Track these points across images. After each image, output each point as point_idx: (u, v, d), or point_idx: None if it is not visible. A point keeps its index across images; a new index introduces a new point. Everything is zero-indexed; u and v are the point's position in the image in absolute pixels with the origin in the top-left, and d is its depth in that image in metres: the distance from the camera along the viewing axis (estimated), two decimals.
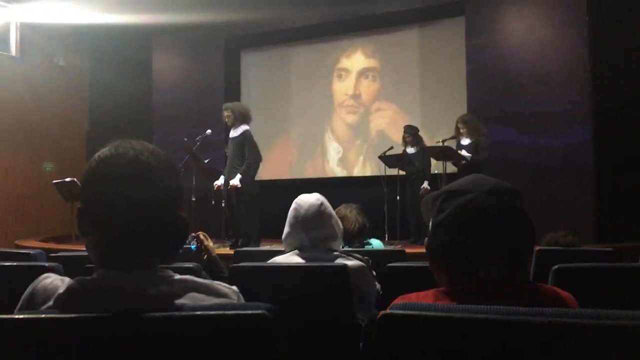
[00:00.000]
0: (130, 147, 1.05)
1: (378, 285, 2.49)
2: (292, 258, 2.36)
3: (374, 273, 2.45)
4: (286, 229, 2.41)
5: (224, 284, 1.10)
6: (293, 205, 2.40)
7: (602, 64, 6.95)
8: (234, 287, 1.11)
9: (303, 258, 2.34)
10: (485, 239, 1.08)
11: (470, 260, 1.09)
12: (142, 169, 1.02)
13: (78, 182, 6.56)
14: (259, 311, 0.94)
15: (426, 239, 1.21)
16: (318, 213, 2.35)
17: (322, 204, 2.39)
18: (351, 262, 2.33)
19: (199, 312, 0.93)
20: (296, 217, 2.36)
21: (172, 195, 1.06)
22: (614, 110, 6.96)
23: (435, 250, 1.16)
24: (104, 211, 1.01)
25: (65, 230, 8.51)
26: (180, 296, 1.01)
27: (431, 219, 1.18)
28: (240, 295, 1.10)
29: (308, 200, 2.38)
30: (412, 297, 1.13)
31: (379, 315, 0.92)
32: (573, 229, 3.52)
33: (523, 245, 1.13)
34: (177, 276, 1.05)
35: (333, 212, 2.44)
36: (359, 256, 2.41)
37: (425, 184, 6.79)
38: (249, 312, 0.93)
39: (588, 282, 2.00)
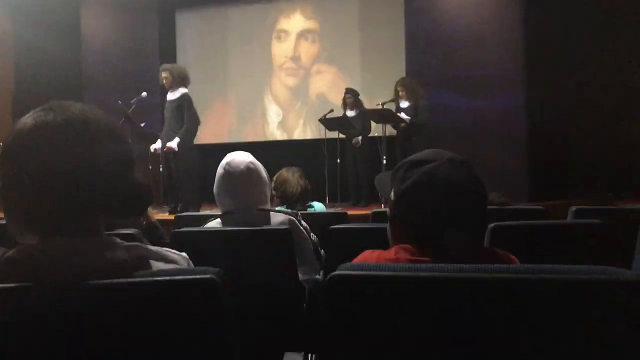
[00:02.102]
0: (60, 110, 1.00)
1: (314, 236, 2.53)
2: (223, 222, 2.35)
3: (305, 225, 2.49)
4: (216, 190, 2.38)
5: (174, 251, 1.09)
6: (223, 165, 2.37)
7: (536, 29, 7.15)
8: (184, 254, 1.10)
9: (235, 221, 2.34)
10: (449, 205, 1.13)
11: (435, 223, 1.13)
12: (73, 134, 0.98)
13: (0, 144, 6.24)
14: (208, 276, 0.94)
15: (388, 210, 1.24)
16: (248, 175, 2.34)
17: (251, 165, 2.37)
18: (281, 218, 2.37)
19: (150, 278, 0.92)
20: (226, 179, 2.34)
21: (117, 158, 1.02)
22: (547, 76, 7.21)
23: (400, 219, 1.19)
24: (36, 180, 0.96)
25: None
26: (133, 263, 0.98)
27: (393, 190, 1.21)
28: (190, 262, 1.10)
29: (238, 162, 2.35)
30: (377, 252, 1.17)
31: (328, 277, 0.93)
32: (506, 189, 3.66)
33: (482, 212, 1.18)
34: (126, 243, 1.03)
35: (263, 173, 2.42)
36: (287, 210, 2.43)
37: (359, 138, 6.88)
38: (198, 276, 0.92)
39: (522, 239, 2.10)
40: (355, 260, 1.15)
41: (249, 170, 2.35)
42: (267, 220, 2.35)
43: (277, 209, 2.55)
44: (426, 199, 1.14)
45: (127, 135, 1.09)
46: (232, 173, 2.33)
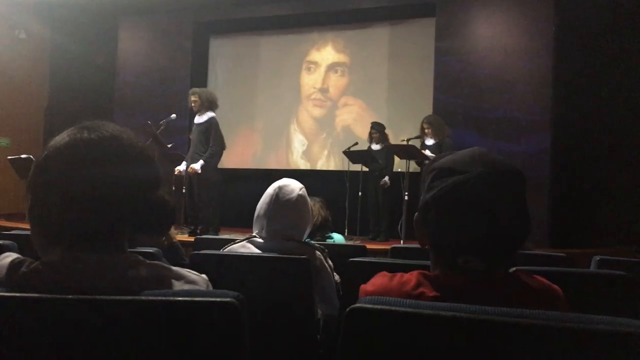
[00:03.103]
0: (93, 129, 1.03)
1: (337, 276, 2.51)
2: (247, 247, 2.34)
3: (331, 264, 2.47)
4: (260, 211, 2.34)
5: (194, 272, 1.09)
6: (274, 187, 2.33)
7: (565, 76, 7.14)
8: (204, 276, 1.10)
9: (258, 247, 2.32)
10: (470, 227, 0.99)
11: (451, 247, 1.03)
12: (105, 152, 1.01)
13: (33, 159, 6.37)
14: (228, 299, 0.93)
15: (416, 213, 1.11)
16: (297, 205, 2.32)
17: (303, 196, 2.35)
18: (309, 252, 2.33)
19: (171, 297, 0.92)
20: (275, 202, 2.31)
21: (145, 178, 1.04)
22: (573, 121, 7.18)
23: (421, 228, 1.09)
24: (66, 196, 0.98)
25: (16, 208, 8.26)
26: (154, 281, 0.99)
27: (422, 194, 1.09)
28: (210, 284, 1.10)
29: (292, 189, 2.33)
30: (396, 278, 1.08)
31: (348, 309, 0.92)
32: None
33: (512, 237, 1.03)
34: (148, 261, 1.04)
35: (310, 207, 2.41)
36: (315, 244, 2.41)
37: (386, 179, 6.87)
38: (218, 299, 0.92)
39: None
40: (372, 283, 1.12)
41: (300, 201, 2.34)
42: (294, 252, 2.32)
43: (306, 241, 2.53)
44: (443, 220, 1.02)
45: (154, 156, 1.12)
46: (281, 198, 2.31)
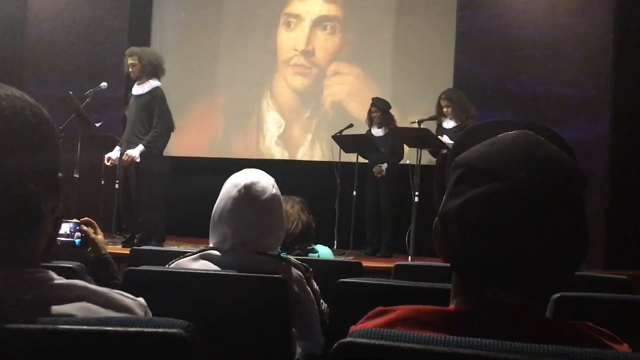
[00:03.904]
0: (8, 104, 1.02)
1: (324, 304, 2.51)
2: (201, 263, 2.33)
3: (317, 287, 2.47)
4: (218, 215, 2.32)
5: (127, 294, 1.09)
6: (239, 184, 2.31)
7: (631, 40, 7.16)
8: (141, 299, 1.10)
9: (217, 262, 2.32)
10: (505, 252, 0.97)
11: (478, 276, 1.02)
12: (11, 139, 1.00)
13: None
14: (174, 330, 0.93)
15: (436, 219, 1.08)
16: (269, 208, 2.32)
17: (277, 195, 2.35)
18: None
19: (90, 327, 0.91)
20: (239, 204, 2.29)
21: (38, 170, 1.04)
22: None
23: (441, 241, 1.06)
24: None
25: None
26: (66, 305, 0.99)
27: (445, 193, 1.07)
28: (149, 311, 1.10)
29: (263, 187, 2.32)
30: (393, 315, 1.05)
31: (336, 344, 0.92)
32: None
33: (563, 267, 1.01)
34: (62, 280, 1.03)
35: (283, 208, 2.43)
36: (294, 260, 2.41)
37: (384, 166, 6.92)
38: (161, 330, 0.92)
39: (596, 317, 2.07)
40: (366, 320, 1.12)
41: (275, 201, 2.34)
42: (267, 271, 2.29)
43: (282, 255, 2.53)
44: (473, 238, 0.99)
45: (59, 145, 1.11)
46: (250, 199, 2.29)
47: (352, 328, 1.06)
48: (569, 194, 1.00)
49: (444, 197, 1.06)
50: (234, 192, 2.31)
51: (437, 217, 1.08)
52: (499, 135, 1.06)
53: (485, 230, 0.98)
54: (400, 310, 1.04)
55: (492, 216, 0.98)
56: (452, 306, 1.06)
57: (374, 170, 6.95)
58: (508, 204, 0.97)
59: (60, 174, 1.09)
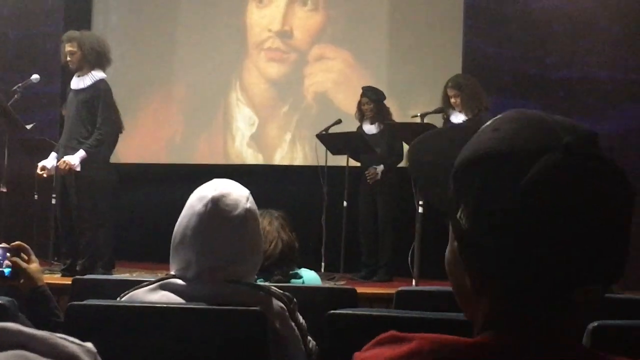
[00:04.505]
0: None
1: (312, 342, 2.52)
2: (161, 295, 2.34)
3: (302, 321, 2.48)
4: (180, 236, 2.33)
5: (72, 339, 1.09)
6: (205, 198, 2.32)
7: None
8: (89, 344, 1.11)
9: (180, 293, 2.33)
10: (586, 232, 0.94)
11: (561, 277, 0.96)
12: None
13: None
14: None
15: (449, 246, 1.07)
16: (243, 226, 2.33)
17: (251, 210, 2.38)
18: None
19: None
20: (206, 222, 2.30)
21: None
22: None
23: (468, 267, 1.03)
24: None
25: None
26: None
27: (462, 201, 1.01)
28: (99, 358, 1.10)
29: (234, 200, 2.34)
30: (408, 346, 1.02)
31: None
32: None
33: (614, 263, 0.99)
34: None
35: (259, 224, 2.45)
36: (276, 291, 2.42)
37: (379, 169, 6.95)
38: None
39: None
40: (371, 354, 1.11)
41: (247, 218, 2.35)
42: (241, 302, 2.31)
43: (260, 283, 2.54)
44: (545, 234, 0.94)
45: None
46: (219, 216, 2.30)
47: (357, 356, 1.05)
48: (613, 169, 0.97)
49: (460, 209, 1.01)
50: (199, 206, 2.33)
51: (451, 241, 1.07)
52: (494, 120, 1.05)
53: (561, 214, 0.94)
54: (417, 340, 1.00)
55: (564, 193, 0.95)
56: (484, 337, 1.02)
57: (366, 173, 6.96)
58: (573, 172, 0.95)
59: None
